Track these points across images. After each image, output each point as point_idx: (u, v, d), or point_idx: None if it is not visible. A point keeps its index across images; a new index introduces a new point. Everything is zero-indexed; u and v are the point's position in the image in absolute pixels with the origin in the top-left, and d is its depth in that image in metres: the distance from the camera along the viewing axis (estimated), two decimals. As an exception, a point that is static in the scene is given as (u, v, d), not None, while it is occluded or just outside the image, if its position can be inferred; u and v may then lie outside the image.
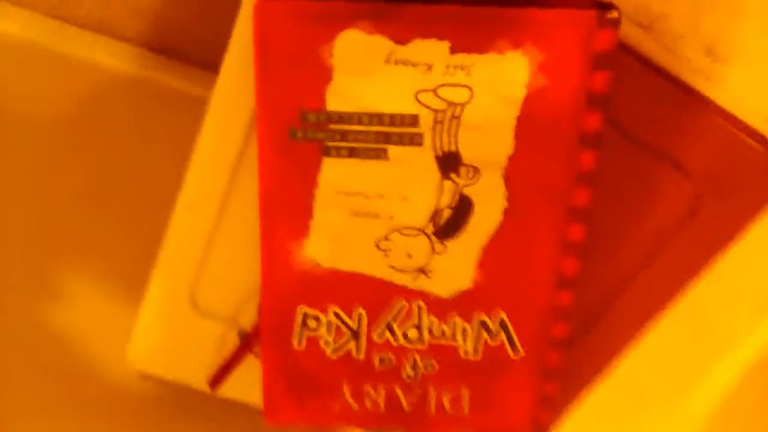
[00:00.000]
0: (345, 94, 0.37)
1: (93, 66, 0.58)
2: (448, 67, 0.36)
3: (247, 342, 0.48)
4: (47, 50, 0.57)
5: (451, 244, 0.40)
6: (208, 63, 0.60)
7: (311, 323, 0.42)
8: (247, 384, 0.50)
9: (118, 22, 0.60)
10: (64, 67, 0.58)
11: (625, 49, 0.39)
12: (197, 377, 0.50)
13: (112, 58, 0.58)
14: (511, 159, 0.38)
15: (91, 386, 0.57)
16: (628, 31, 0.40)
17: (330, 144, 0.38)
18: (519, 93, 0.36)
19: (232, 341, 0.49)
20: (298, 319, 0.42)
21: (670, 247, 0.42)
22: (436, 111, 0.37)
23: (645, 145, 0.40)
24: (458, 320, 0.42)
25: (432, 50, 0.36)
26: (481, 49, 0.35)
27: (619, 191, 0.41)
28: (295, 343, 0.43)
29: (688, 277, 0.43)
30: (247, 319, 0.48)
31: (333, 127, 0.37)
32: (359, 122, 0.37)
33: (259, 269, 0.44)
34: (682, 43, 0.40)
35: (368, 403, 0.44)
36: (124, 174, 0.58)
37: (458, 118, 0.37)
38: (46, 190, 0.59)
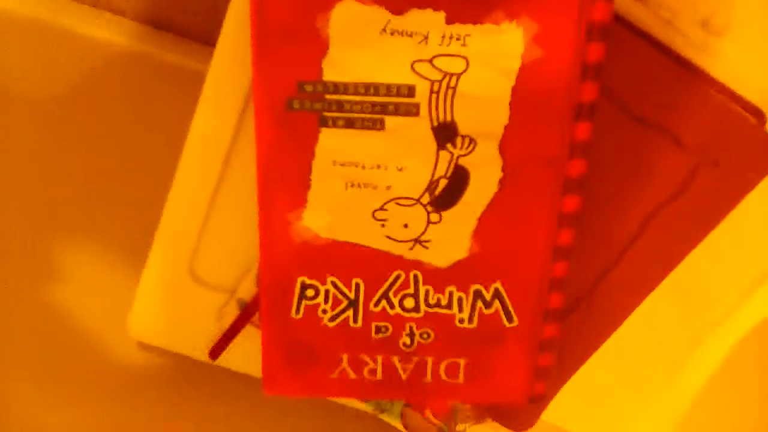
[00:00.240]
0: (341, 65, 0.37)
1: (90, 40, 0.58)
2: (443, 37, 0.36)
3: (246, 312, 0.49)
4: (44, 24, 0.57)
5: (447, 214, 0.40)
6: (205, 36, 0.61)
7: (309, 293, 0.43)
8: (246, 354, 0.50)
9: None
10: (62, 42, 0.58)
11: (620, 21, 0.40)
12: (197, 348, 0.51)
13: (110, 32, 0.58)
14: (507, 129, 0.38)
15: (92, 359, 0.58)
16: (624, 4, 0.40)
17: (327, 114, 0.38)
18: (514, 64, 0.36)
19: (232, 312, 0.49)
20: (297, 288, 0.43)
21: (664, 218, 0.43)
22: (432, 81, 0.37)
23: (640, 117, 0.41)
24: (454, 290, 0.42)
25: (428, 20, 0.36)
26: (476, 20, 0.36)
27: (615, 163, 0.42)
28: (293, 312, 0.43)
29: (682, 249, 0.44)
30: (246, 289, 0.48)
31: (329, 97, 0.38)
32: (356, 92, 0.38)
33: (257, 240, 0.45)
34: (678, 16, 0.40)
35: (366, 372, 0.45)
36: (122, 148, 0.59)
37: (454, 88, 0.37)
38: (44, 165, 0.59)
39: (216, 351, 0.50)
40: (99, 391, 0.58)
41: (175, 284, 0.49)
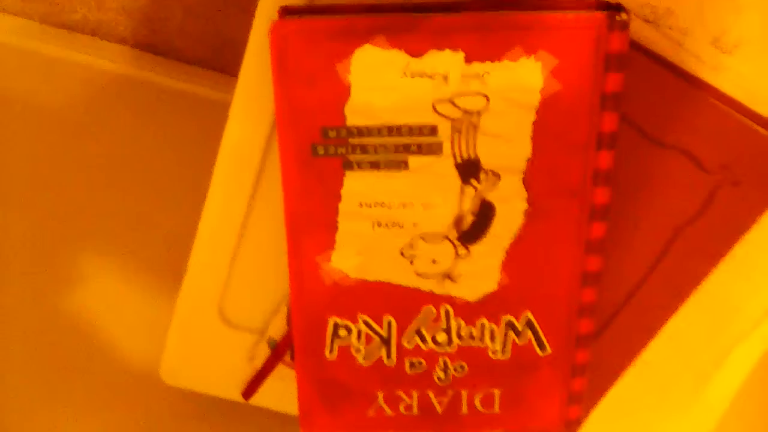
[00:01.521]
0: (364, 109, 0.37)
1: (90, 69, 0.59)
2: (463, 76, 0.37)
3: (277, 351, 0.49)
4: (43, 55, 0.58)
5: (474, 248, 0.41)
6: (202, 61, 0.61)
7: (342, 333, 0.43)
8: (279, 392, 0.51)
9: (112, 25, 0.61)
10: (62, 71, 0.58)
11: (633, 45, 0.40)
12: (230, 389, 0.51)
13: (109, 60, 0.59)
14: (530, 162, 0.38)
15: (105, 372, 0.58)
16: (636, 28, 0.40)
17: (351, 158, 0.39)
18: (534, 98, 0.37)
19: (263, 351, 0.49)
20: (329, 329, 0.43)
21: (687, 238, 0.43)
22: (453, 120, 0.38)
23: (658, 140, 0.41)
24: (485, 322, 0.42)
25: (447, 61, 0.36)
26: (495, 57, 0.36)
27: (637, 187, 0.42)
28: (327, 353, 0.44)
29: (706, 268, 0.44)
30: (276, 328, 0.49)
31: (353, 141, 0.38)
32: (379, 135, 0.38)
33: (285, 279, 0.45)
34: (688, 37, 0.40)
35: (402, 408, 0.45)
36: (124, 173, 0.59)
37: (476, 125, 0.38)
38: (48, 191, 0.60)
39: (249, 391, 0.50)
40: (114, 404, 0.58)
41: (206, 327, 0.49)
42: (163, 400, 0.56)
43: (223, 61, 0.62)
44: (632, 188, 0.42)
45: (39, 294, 0.59)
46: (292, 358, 0.49)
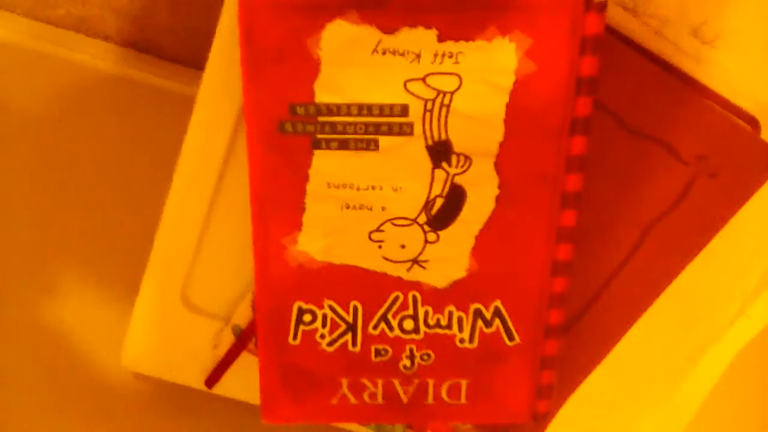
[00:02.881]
0: (333, 86, 0.36)
1: (74, 65, 0.58)
2: (436, 55, 0.36)
3: (242, 339, 0.48)
4: (27, 51, 0.57)
5: (444, 233, 0.40)
6: (188, 59, 0.60)
7: (306, 318, 0.42)
8: (243, 381, 0.49)
9: (96, 21, 0.60)
10: (45, 68, 0.57)
11: (613, 33, 0.39)
12: (193, 377, 0.50)
13: (92, 57, 0.58)
14: (502, 146, 0.37)
15: (87, 383, 0.57)
16: (615, 16, 0.40)
17: (320, 136, 0.38)
18: (508, 80, 0.36)
19: (227, 339, 0.48)
20: (294, 314, 0.42)
21: (662, 230, 0.43)
22: (425, 100, 0.37)
23: (636, 129, 0.40)
24: (453, 309, 0.42)
25: (420, 39, 0.35)
26: (468, 37, 0.35)
27: (611, 176, 0.41)
28: (290, 338, 0.43)
29: (681, 260, 0.44)
30: (241, 316, 0.48)
31: (322, 119, 0.37)
32: (348, 113, 0.37)
33: (251, 265, 0.44)
34: (668, 26, 0.40)
35: (366, 396, 0.44)
36: (108, 172, 0.58)
37: (448, 106, 0.37)
38: (31, 190, 0.59)
39: (212, 379, 0.49)
40: (94, 417, 0.57)
41: (169, 313, 0.48)
42: (141, 414, 0.56)
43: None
44: (608, 178, 0.41)
45: (21, 304, 0.57)
46: (257, 345, 0.48)
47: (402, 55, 0.36)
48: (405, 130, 0.37)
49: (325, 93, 0.37)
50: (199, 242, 0.46)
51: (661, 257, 0.43)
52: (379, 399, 0.44)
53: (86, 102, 0.58)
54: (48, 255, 0.58)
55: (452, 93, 0.36)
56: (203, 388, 0.50)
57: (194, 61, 0.61)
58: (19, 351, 0.57)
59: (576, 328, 0.45)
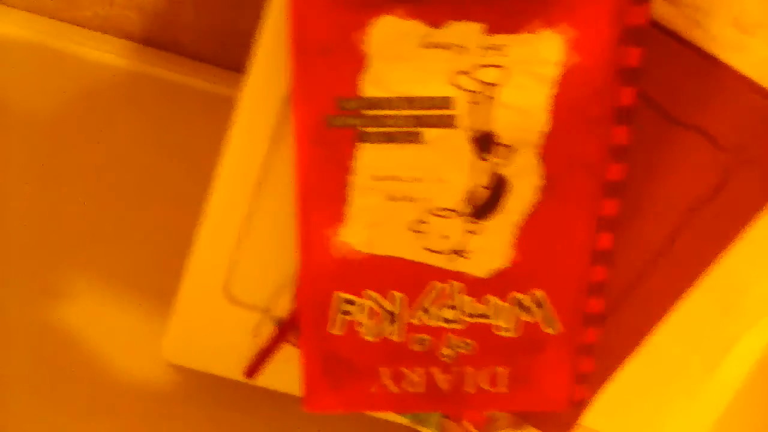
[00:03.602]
0: (380, 80, 0.37)
1: (96, 64, 0.58)
2: (482, 48, 0.36)
3: (283, 330, 0.48)
4: (51, 50, 0.58)
5: (486, 224, 0.40)
6: (211, 57, 0.61)
7: (348, 308, 0.43)
8: (282, 373, 0.50)
9: (119, 20, 0.60)
10: (68, 66, 0.58)
11: (652, 23, 0.40)
12: (233, 368, 0.51)
13: (114, 55, 0.59)
14: (546, 137, 0.38)
15: (99, 384, 0.57)
16: (655, 6, 0.40)
17: (365, 130, 0.38)
18: (553, 71, 0.36)
19: (268, 330, 0.49)
20: (335, 304, 0.43)
21: (701, 218, 0.43)
22: (470, 92, 0.37)
23: (675, 118, 0.41)
24: (495, 299, 0.42)
25: (466, 32, 0.36)
26: (514, 29, 0.36)
27: (650, 165, 0.42)
28: (332, 328, 0.43)
29: (718, 250, 0.44)
30: (283, 307, 0.48)
31: (368, 113, 0.38)
32: (394, 107, 0.38)
33: (293, 257, 0.45)
34: (708, 16, 0.40)
35: (406, 385, 0.45)
36: (133, 170, 0.59)
37: (493, 98, 0.37)
38: (48, 189, 0.59)
39: (252, 370, 0.50)
40: (106, 418, 0.57)
41: (211, 305, 0.48)
42: (152, 413, 0.56)
43: (232, 58, 0.62)
44: (646, 166, 0.42)
45: (27, 304, 0.58)
46: (299, 336, 0.49)
47: (448, 48, 0.36)
48: (449, 122, 0.38)
49: (371, 87, 0.37)
50: (241, 234, 0.47)
51: (699, 245, 0.44)
52: (419, 387, 0.45)
53: (107, 99, 0.59)
54: (63, 252, 0.59)
55: (497, 85, 0.37)
56: (242, 379, 0.51)
57: (217, 59, 0.62)
58: (28, 351, 0.58)
59: (613, 316, 0.45)
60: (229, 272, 0.48)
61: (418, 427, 0.52)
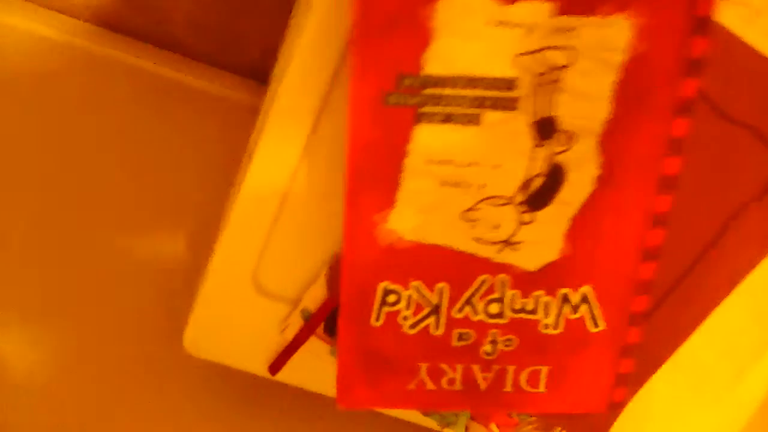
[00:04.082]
0: (444, 58, 0.36)
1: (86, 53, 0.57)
2: (550, 29, 0.36)
3: (311, 323, 0.47)
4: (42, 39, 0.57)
5: (540, 214, 0.39)
6: (206, 55, 0.61)
7: (391, 298, 0.41)
8: (307, 369, 0.48)
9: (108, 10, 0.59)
10: (62, 57, 0.57)
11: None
12: (256, 362, 0.49)
13: (108, 47, 0.58)
14: (607, 125, 0.37)
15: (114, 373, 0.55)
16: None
17: (424, 109, 0.37)
18: (620, 57, 0.36)
19: (296, 323, 0.47)
20: (379, 294, 0.41)
21: (746, 219, 0.43)
22: (534, 75, 0.37)
23: (727, 114, 0.41)
24: (542, 293, 0.41)
25: (535, 12, 0.35)
26: (585, 11, 0.35)
27: (699, 160, 0.41)
28: (373, 320, 0.42)
29: (761, 251, 0.44)
30: (312, 299, 0.47)
31: (429, 91, 0.37)
32: (455, 86, 0.37)
33: (326, 246, 0.44)
34: (763, 16, 0.40)
35: (444, 382, 0.43)
36: (121, 162, 0.58)
37: (557, 82, 0.37)
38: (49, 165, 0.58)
39: (277, 365, 0.48)
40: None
41: (237, 295, 0.47)
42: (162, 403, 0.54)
43: (229, 59, 0.62)
44: (695, 162, 0.41)
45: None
46: (326, 331, 0.47)
47: (516, 27, 0.36)
48: (511, 104, 0.37)
49: (434, 64, 0.36)
50: (274, 220, 0.45)
51: (742, 247, 0.43)
52: (457, 385, 0.43)
53: (99, 93, 0.58)
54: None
55: (563, 69, 0.36)
56: (266, 374, 0.49)
57: (213, 58, 0.62)
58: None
59: (654, 315, 0.44)
60: (258, 260, 0.46)
61: (445, 430, 0.50)
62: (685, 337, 0.45)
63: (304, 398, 0.50)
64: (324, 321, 0.47)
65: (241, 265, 0.46)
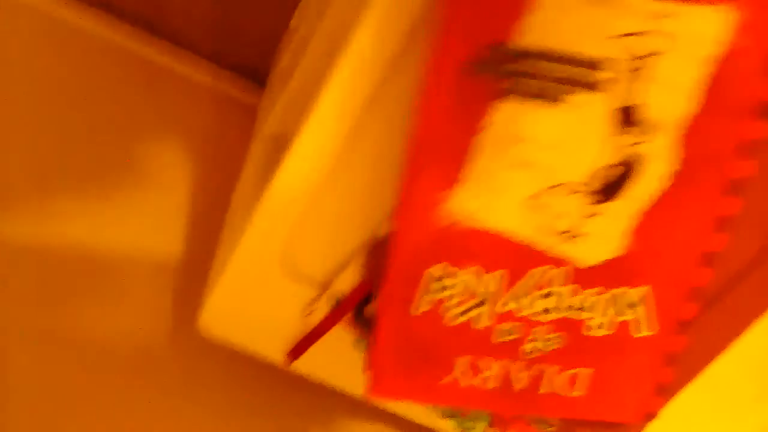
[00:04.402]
0: (537, 30, 0.35)
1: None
2: (649, 13, 0.34)
3: (339, 309, 0.44)
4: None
5: (608, 206, 0.38)
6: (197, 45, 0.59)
7: (437, 285, 0.39)
8: (328, 359, 0.46)
9: None
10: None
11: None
12: (274, 348, 0.46)
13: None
14: (690, 120, 0.36)
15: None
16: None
17: (507, 83, 0.35)
18: (714, 51, 0.35)
19: (323, 308, 0.44)
20: (425, 279, 0.39)
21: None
22: (626, 59, 0.35)
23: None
24: (595, 291, 0.40)
25: None
26: (688, -2, 0.34)
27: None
28: (415, 307, 0.40)
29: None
30: (343, 284, 0.44)
31: (516, 64, 0.35)
32: (544, 61, 0.35)
33: (364, 228, 0.42)
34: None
35: (478, 380, 0.41)
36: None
37: (647, 69, 0.35)
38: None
39: (297, 351, 0.45)
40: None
41: (263, 275, 0.43)
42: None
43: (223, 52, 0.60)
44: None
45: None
46: (356, 319, 0.45)
47: (613, 7, 0.34)
48: (597, 87, 0.36)
49: (526, 36, 0.35)
50: (311, 201, 0.42)
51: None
52: (491, 384, 0.41)
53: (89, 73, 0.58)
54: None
55: (656, 56, 0.35)
56: (281, 362, 0.46)
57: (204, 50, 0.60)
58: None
59: (696, 324, 0.43)
60: (290, 239, 0.43)
61: (462, 435, 0.48)
62: (724, 349, 0.44)
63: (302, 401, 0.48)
64: (354, 309, 0.45)
65: (270, 243, 0.43)
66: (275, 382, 0.50)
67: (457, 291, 0.39)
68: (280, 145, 0.53)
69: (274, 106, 0.53)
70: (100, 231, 0.54)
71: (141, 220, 0.55)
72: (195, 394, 0.51)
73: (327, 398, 0.49)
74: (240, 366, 0.50)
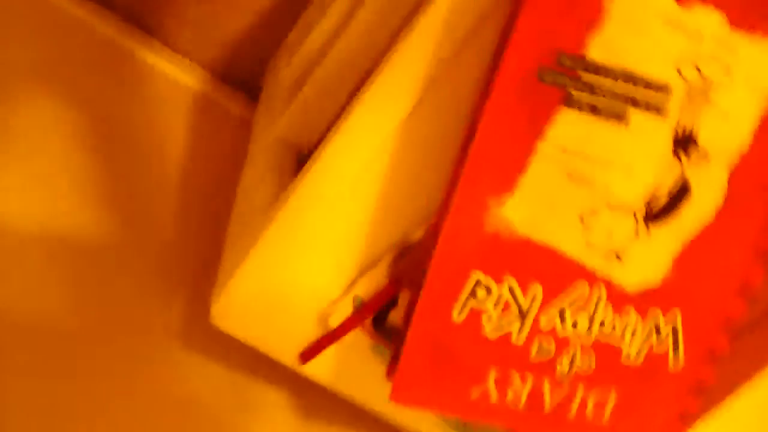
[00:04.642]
0: (609, 45, 0.35)
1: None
2: (714, 41, 0.35)
3: (362, 312, 0.43)
4: None
5: (656, 231, 0.38)
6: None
7: (480, 293, 0.38)
8: (341, 365, 0.44)
9: None
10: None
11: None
12: (287, 349, 0.44)
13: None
14: (743, 154, 0.37)
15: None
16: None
17: (575, 93, 0.35)
18: None
19: (343, 310, 0.43)
20: (469, 285, 0.38)
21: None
22: (690, 85, 0.36)
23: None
24: (633, 316, 0.39)
25: (707, 20, 0.35)
26: (757, 28, 0.35)
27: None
28: (455, 313, 0.38)
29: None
30: (366, 286, 0.42)
31: (584, 76, 0.35)
32: (612, 77, 0.35)
33: (399, 227, 0.41)
34: None
35: (509, 396, 0.40)
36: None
37: (708, 97, 0.36)
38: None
39: (311, 352, 0.43)
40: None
41: (284, 271, 0.42)
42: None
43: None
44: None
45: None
46: (376, 324, 0.43)
47: (684, 32, 0.35)
48: (660, 110, 0.36)
49: (598, 49, 0.35)
50: (349, 192, 0.41)
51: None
52: (522, 401, 0.40)
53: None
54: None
55: (718, 85, 0.36)
56: (294, 364, 0.44)
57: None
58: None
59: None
60: (317, 236, 0.42)
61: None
62: (746, 382, 0.44)
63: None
64: (375, 315, 0.43)
65: (296, 238, 0.42)
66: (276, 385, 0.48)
67: (498, 300, 0.38)
68: (290, 148, 0.52)
69: (281, 113, 0.52)
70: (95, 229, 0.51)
71: (127, 216, 0.53)
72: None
73: (330, 404, 0.47)
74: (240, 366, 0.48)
